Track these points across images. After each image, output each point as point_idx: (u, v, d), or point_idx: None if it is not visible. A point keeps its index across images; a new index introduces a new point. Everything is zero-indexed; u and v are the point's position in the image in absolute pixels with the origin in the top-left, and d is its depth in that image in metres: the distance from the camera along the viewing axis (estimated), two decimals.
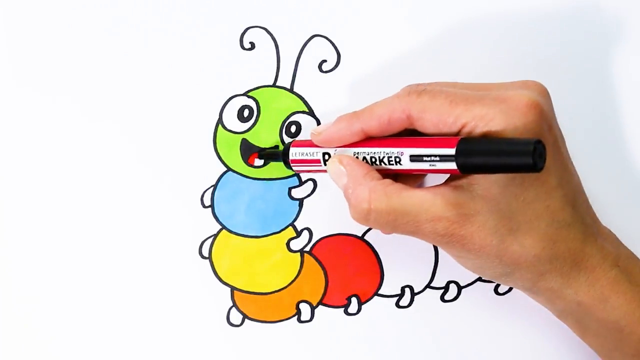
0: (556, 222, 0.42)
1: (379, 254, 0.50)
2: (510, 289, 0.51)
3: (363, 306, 0.50)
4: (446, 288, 0.50)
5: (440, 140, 0.41)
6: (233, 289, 0.50)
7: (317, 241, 0.50)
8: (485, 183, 0.41)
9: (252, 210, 0.50)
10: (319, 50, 0.50)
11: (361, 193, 0.42)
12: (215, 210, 0.50)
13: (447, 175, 0.43)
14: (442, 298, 0.50)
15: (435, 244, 0.44)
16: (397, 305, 0.50)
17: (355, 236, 0.50)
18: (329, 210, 0.50)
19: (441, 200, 0.41)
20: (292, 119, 0.50)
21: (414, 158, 0.41)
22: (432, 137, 0.41)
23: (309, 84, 0.50)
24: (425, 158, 0.41)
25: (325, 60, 0.50)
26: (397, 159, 0.42)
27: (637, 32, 0.51)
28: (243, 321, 0.50)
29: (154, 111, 0.50)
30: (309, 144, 0.46)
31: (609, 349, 0.45)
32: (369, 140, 0.44)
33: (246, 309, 0.50)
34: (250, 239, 0.50)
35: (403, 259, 0.50)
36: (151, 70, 0.50)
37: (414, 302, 0.50)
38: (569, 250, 0.42)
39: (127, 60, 0.50)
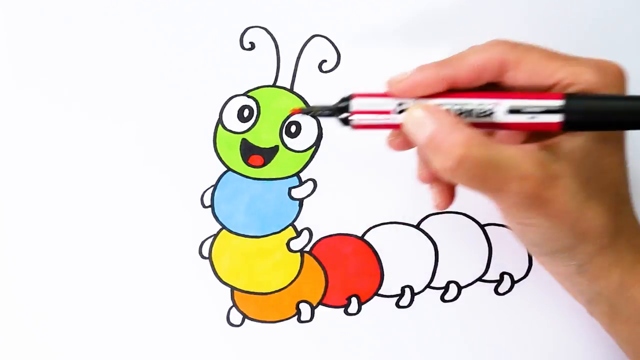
0: (620, 195, 0.42)
1: (379, 254, 0.50)
2: (510, 289, 0.50)
3: (363, 306, 0.50)
4: (446, 288, 0.50)
5: (543, 94, 0.40)
6: (233, 289, 0.50)
7: (317, 241, 0.50)
8: (569, 146, 0.41)
9: (252, 210, 0.50)
10: (319, 50, 0.50)
11: (457, 137, 0.39)
12: (215, 210, 0.50)
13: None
14: (442, 298, 0.50)
15: (514, 208, 0.41)
16: (397, 305, 0.50)
17: (355, 236, 0.50)
18: (329, 210, 0.50)
19: (531, 157, 0.40)
20: (292, 119, 0.50)
21: (513, 110, 0.40)
22: (531, 92, 0.41)
23: (309, 84, 0.50)
24: (527, 109, 0.40)
25: (325, 60, 0.50)
26: (491, 111, 0.40)
27: None
28: (243, 321, 0.50)
29: (154, 111, 0.50)
30: (376, 95, 0.42)
31: (637, 337, 0.44)
32: (453, 92, 0.41)
33: (246, 309, 0.50)
34: (250, 239, 0.50)
35: (403, 259, 0.50)
36: (151, 71, 0.50)
37: (414, 302, 0.50)
38: (626, 225, 0.43)
39: (128, 61, 0.50)
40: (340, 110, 0.42)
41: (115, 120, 0.50)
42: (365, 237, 0.50)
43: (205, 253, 0.50)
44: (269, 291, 0.50)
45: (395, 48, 0.50)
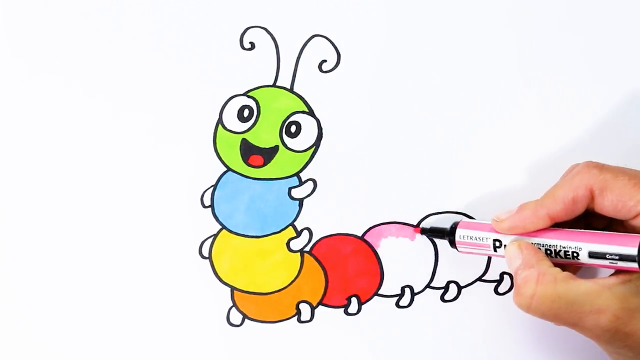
0: None
1: (379, 254, 0.50)
2: (510, 289, 0.50)
3: (363, 306, 0.50)
4: (446, 288, 0.50)
5: (621, 238, 0.41)
6: (233, 289, 0.50)
7: (317, 241, 0.50)
8: None
9: (252, 210, 0.50)
10: (319, 50, 0.50)
11: (530, 275, 0.42)
12: (215, 210, 0.50)
13: None
14: (442, 298, 0.50)
15: (595, 340, 0.43)
16: (397, 305, 0.50)
17: (355, 236, 0.50)
18: (329, 210, 0.50)
19: (608, 293, 0.41)
20: (292, 118, 0.50)
21: (593, 254, 0.42)
22: (612, 233, 0.42)
23: (309, 84, 0.50)
24: (607, 256, 0.41)
25: (325, 60, 0.50)
26: (575, 254, 0.43)
27: None
28: (243, 321, 0.50)
29: (154, 111, 0.50)
30: (477, 226, 0.47)
31: None
32: (548, 230, 0.44)
33: (246, 309, 0.50)
34: (250, 239, 0.50)
35: (403, 259, 0.50)
36: (151, 70, 0.50)
37: (414, 302, 0.50)
38: None
39: (127, 60, 0.50)
40: (451, 234, 0.47)
41: (115, 120, 0.50)
42: (365, 237, 0.50)
43: (205, 253, 0.50)
44: (269, 291, 0.50)
45: (395, 47, 0.50)
